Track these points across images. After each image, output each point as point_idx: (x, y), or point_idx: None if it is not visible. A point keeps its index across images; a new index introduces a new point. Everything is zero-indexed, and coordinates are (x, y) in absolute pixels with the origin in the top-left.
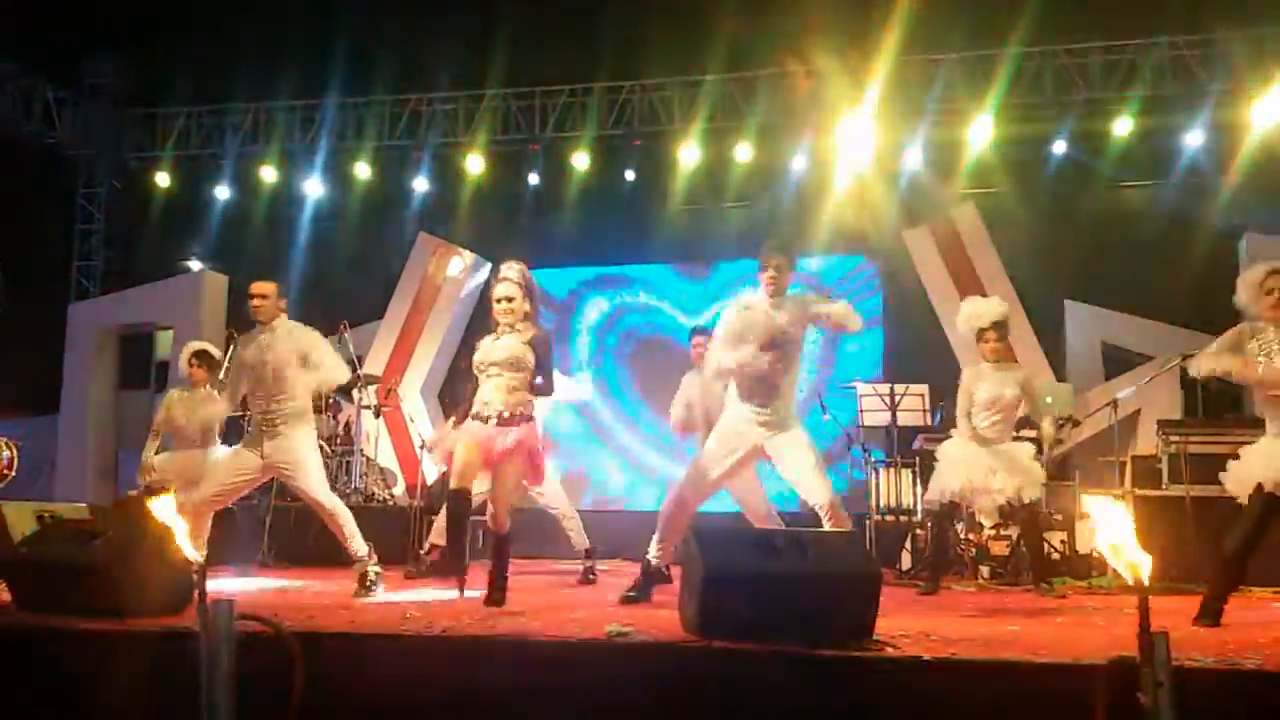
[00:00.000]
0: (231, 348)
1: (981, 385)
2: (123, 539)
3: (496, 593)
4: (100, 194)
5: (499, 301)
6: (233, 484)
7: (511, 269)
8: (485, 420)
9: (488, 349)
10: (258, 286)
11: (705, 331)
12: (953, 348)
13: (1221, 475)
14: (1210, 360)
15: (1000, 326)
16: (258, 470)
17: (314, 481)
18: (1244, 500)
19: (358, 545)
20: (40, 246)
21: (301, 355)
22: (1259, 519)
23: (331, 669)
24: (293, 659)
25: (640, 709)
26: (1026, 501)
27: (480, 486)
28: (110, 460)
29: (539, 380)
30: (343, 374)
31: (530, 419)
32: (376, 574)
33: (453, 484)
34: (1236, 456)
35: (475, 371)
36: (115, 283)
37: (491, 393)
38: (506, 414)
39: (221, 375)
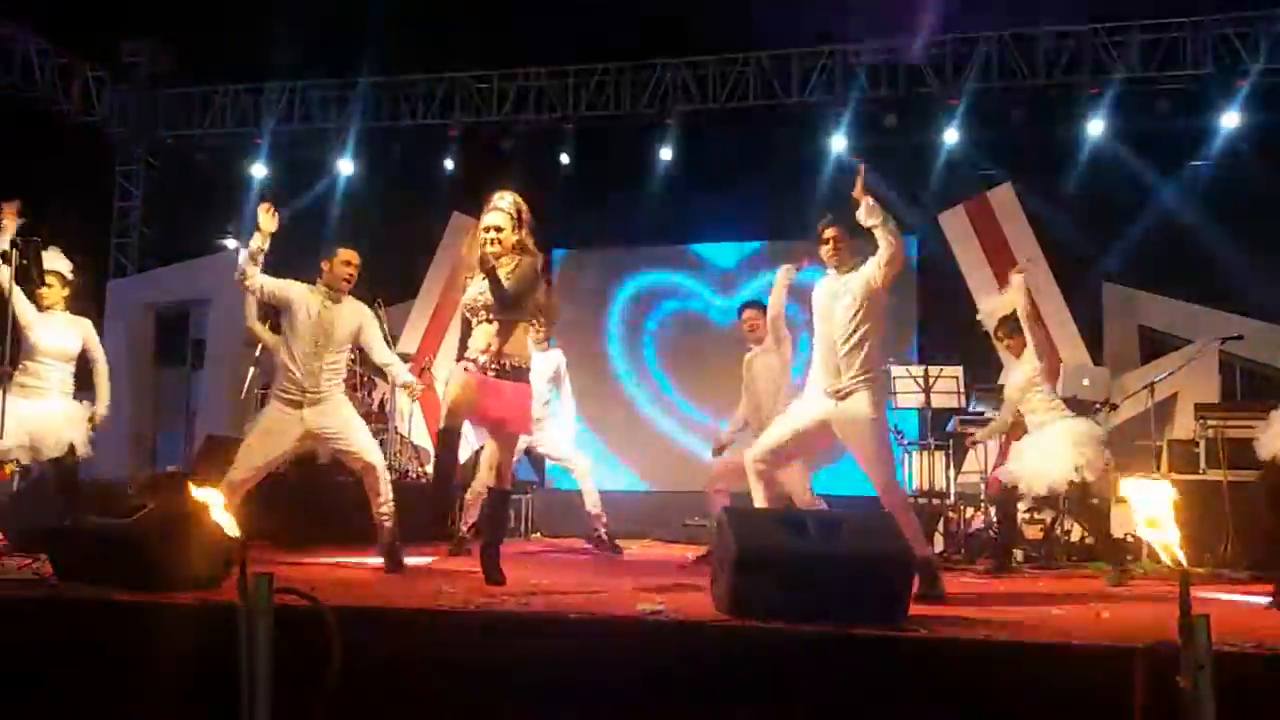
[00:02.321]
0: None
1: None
2: (163, 513)
3: (495, 570)
4: (138, 172)
5: (485, 231)
6: (274, 461)
7: (503, 198)
8: (484, 370)
9: (478, 289)
10: (355, 255)
11: (756, 305)
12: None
13: None
14: None
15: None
16: (296, 441)
17: (365, 439)
18: None
19: (389, 509)
20: (78, 224)
21: (359, 328)
22: None
23: (367, 643)
24: (330, 633)
25: (671, 688)
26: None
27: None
28: (149, 437)
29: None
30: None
31: (526, 373)
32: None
33: (443, 422)
34: None
35: (466, 315)
36: (153, 260)
37: (483, 339)
38: (508, 366)
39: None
